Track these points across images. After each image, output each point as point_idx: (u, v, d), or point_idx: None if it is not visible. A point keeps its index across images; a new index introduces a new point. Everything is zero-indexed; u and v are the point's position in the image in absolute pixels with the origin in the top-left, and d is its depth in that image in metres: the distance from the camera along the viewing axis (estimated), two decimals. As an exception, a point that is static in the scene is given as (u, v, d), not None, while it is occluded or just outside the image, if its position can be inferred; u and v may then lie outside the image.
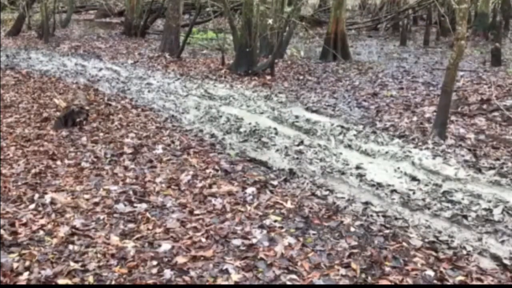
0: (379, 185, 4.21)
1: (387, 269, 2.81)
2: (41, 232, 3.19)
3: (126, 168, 4.44)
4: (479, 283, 2.74)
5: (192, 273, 2.73)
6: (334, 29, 11.35)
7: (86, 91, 7.61)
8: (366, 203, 3.80)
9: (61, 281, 2.65)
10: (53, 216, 3.44)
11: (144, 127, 5.79)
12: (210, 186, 4.00)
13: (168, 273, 2.73)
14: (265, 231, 3.21)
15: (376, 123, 6.18)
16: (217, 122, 6.13)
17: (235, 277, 2.70)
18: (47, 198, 3.71)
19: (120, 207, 3.59)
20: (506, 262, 2.97)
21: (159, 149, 4.94)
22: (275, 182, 4.13)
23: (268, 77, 9.22)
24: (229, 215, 3.46)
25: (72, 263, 2.80)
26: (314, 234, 3.22)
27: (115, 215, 3.46)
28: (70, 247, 2.99)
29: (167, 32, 12.36)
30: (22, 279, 2.68)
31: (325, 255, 2.94)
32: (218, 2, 12.98)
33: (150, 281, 2.66)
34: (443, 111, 5.48)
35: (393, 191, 4.08)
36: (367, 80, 8.93)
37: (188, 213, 3.51)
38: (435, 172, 4.50)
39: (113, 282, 2.65)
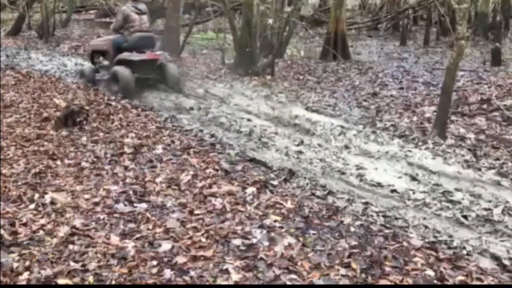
0: (379, 184, 4.21)
1: (387, 269, 2.81)
2: (41, 232, 3.19)
3: (126, 168, 4.44)
4: (479, 283, 2.74)
5: (192, 273, 2.73)
6: (334, 29, 11.35)
7: (86, 91, 7.61)
8: (366, 203, 3.80)
9: (61, 281, 2.65)
10: (53, 216, 3.44)
11: (144, 127, 5.78)
12: (210, 186, 3.99)
13: (168, 273, 2.72)
14: (265, 231, 3.21)
15: (376, 123, 6.18)
16: (217, 122, 6.13)
17: (235, 277, 2.70)
18: (47, 198, 3.70)
19: (120, 207, 3.58)
20: (506, 262, 2.97)
21: (159, 149, 4.94)
22: (275, 182, 4.12)
23: (268, 77, 9.22)
24: (229, 215, 3.46)
25: (72, 263, 2.80)
26: (314, 234, 3.21)
27: (115, 215, 3.46)
28: (70, 247, 2.99)
29: (167, 32, 12.35)
30: (22, 279, 2.67)
31: (325, 255, 2.94)
32: (218, 2, 12.98)
33: (150, 281, 2.66)
34: (443, 111, 5.49)
35: (393, 191, 4.08)
36: (367, 80, 8.93)
37: (188, 213, 3.51)
38: (435, 172, 4.50)
39: (113, 282, 2.65)
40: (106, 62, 7.93)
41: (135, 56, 7.35)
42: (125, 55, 7.40)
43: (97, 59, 8.18)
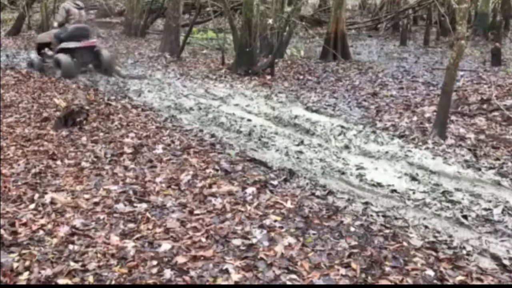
0: (379, 184, 4.21)
1: (387, 269, 2.81)
2: (41, 232, 3.19)
3: (126, 168, 4.44)
4: (479, 283, 2.74)
5: (192, 273, 2.73)
6: (334, 29, 11.35)
7: (86, 91, 7.61)
8: (366, 203, 3.80)
9: (61, 281, 2.65)
10: (53, 216, 3.44)
11: (144, 127, 5.79)
12: (210, 186, 4.00)
13: (168, 273, 2.73)
14: (265, 231, 3.21)
15: (376, 123, 6.18)
16: (217, 122, 6.13)
17: (235, 277, 2.70)
18: (47, 198, 3.70)
19: (120, 207, 3.58)
20: (506, 262, 2.97)
21: (159, 149, 4.94)
22: (275, 182, 4.13)
23: (268, 77, 9.22)
24: (229, 215, 3.46)
25: (72, 263, 2.80)
26: (314, 234, 3.22)
27: (115, 215, 3.46)
28: (70, 247, 2.99)
29: (167, 32, 12.36)
30: (22, 279, 2.68)
31: (325, 255, 2.94)
32: (218, 2, 12.99)
33: (150, 281, 2.66)
34: (443, 111, 5.48)
35: (393, 191, 4.08)
36: (367, 80, 8.93)
37: (188, 213, 3.51)
38: (435, 172, 4.50)
39: (113, 282, 2.65)
40: (50, 52, 9.34)
41: (72, 44, 8.91)
42: (64, 44, 8.92)
43: (43, 50, 9.55)
